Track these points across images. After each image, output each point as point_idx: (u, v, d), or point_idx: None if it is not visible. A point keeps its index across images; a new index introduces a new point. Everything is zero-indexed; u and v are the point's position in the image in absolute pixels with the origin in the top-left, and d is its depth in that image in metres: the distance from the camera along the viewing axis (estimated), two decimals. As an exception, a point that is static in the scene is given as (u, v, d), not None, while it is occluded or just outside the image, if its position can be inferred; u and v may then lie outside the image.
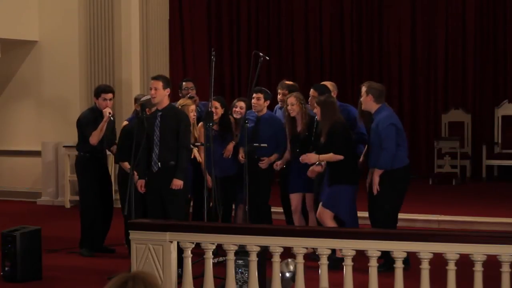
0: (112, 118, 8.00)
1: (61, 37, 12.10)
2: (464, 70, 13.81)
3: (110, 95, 8.11)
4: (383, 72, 14.07)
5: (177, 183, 6.95)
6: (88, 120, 8.10)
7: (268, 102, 8.20)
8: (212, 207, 7.54)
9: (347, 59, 14.42)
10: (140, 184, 7.07)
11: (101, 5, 11.77)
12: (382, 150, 7.07)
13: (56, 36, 12.16)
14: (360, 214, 7.57)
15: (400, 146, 7.16)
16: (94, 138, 7.97)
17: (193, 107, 7.78)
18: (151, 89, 7.09)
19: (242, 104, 8.21)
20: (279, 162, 8.06)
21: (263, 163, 8.06)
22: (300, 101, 7.79)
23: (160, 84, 7.03)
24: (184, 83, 8.97)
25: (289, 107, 7.82)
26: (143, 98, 7.52)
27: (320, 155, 7.31)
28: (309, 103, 7.78)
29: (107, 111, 7.96)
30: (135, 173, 7.06)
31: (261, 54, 7.89)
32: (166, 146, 7.02)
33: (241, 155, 7.95)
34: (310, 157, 7.40)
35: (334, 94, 8.03)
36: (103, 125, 7.95)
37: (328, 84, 8.15)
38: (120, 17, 11.75)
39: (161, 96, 7.04)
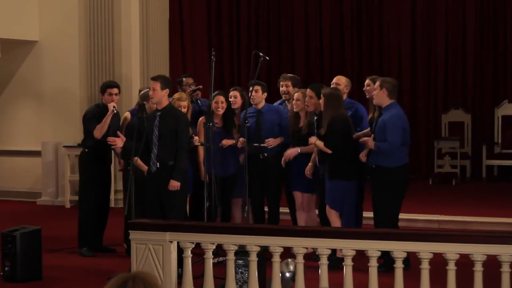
0: (115, 111, 8.03)
1: (61, 37, 12.09)
2: (464, 70, 13.80)
3: (115, 90, 8.17)
4: (383, 72, 13.98)
5: (174, 184, 6.94)
6: (93, 115, 8.15)
7: (266, 94, 8.21)
8: (208, 206, 7.49)
9: (347, 59, 14.42)
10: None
11: (101, 5, 11.77)
12: (386, 141, 7.04)
13: (56, 36, 12.15)
14: (364, 214, 7.58)
15: (404, 146, 7.18)
16: (97, 132, 7.99)
17: (181, 103, 7.61)
18: (150, 89, 7.13)
19: (236, 93, 8.23)
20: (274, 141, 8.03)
21: (269, 143, 7.95)
22: (305, 98, 7.78)
23: (157, 85, 7.01)
24: (184, 79, 9.00)
25: (293, 102, 7.83)
26: (143, 92, 7.57)
27: (317, 141, 7.38)
28: (306, 102, 7.76)
29: (111, 105, 8.00)
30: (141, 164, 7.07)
31: (261, 54, 7.88)
32: (165, 146, 7.00)
33: (241, 158, 7.93)
34: (312, 139, 7.46)
35: (347, 89, 8.02)
36: (107, 119, 7.98)
37: (343, 79, 8.10)
38: (120, 17, 11.74)
39: (159, 96, 7.03)
